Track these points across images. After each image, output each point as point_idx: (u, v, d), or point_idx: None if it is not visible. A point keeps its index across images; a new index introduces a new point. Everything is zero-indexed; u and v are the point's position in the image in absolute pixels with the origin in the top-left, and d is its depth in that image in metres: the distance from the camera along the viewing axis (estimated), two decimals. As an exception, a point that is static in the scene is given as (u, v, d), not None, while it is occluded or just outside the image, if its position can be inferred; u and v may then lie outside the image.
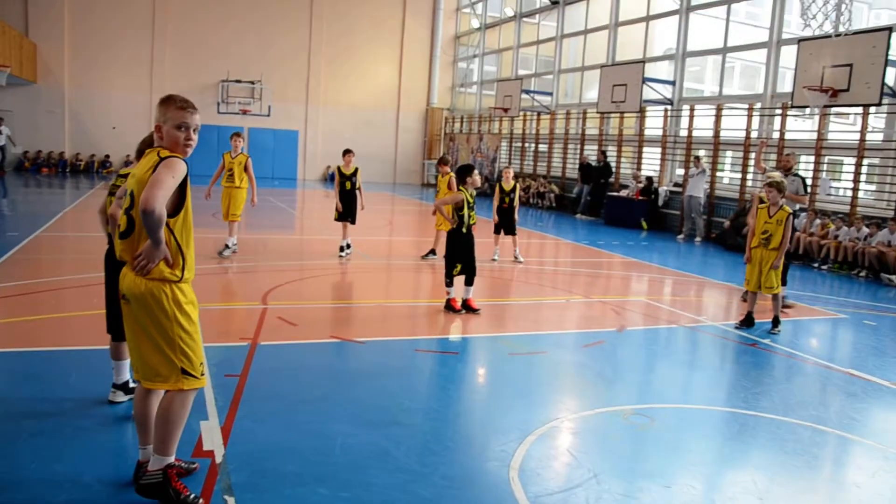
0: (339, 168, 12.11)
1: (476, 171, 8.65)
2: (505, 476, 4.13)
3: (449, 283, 8.42)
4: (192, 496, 3.60)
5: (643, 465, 4.48)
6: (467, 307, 8.37)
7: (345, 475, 4.03)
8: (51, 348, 6.22)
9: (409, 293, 10.39)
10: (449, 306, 8.38)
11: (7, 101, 27.72)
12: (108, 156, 30.25)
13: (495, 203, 12.45)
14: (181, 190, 3.47)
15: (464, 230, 8.37)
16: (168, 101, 3.59)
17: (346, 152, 12.18)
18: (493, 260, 12.26)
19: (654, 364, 7.18)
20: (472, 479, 4.13)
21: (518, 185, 12.58)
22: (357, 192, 11.97)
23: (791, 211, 8.41)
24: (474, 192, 8.55)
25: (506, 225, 12.40)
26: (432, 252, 12.14)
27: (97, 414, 4.73)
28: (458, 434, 4.87)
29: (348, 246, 11.97)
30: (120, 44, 29.90)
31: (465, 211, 8.35)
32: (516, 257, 12.35)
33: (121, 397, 4.91)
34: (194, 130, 3.58)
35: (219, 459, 4.12)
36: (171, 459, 3.64)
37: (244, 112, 30.85)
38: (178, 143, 3.53)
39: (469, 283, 8.43)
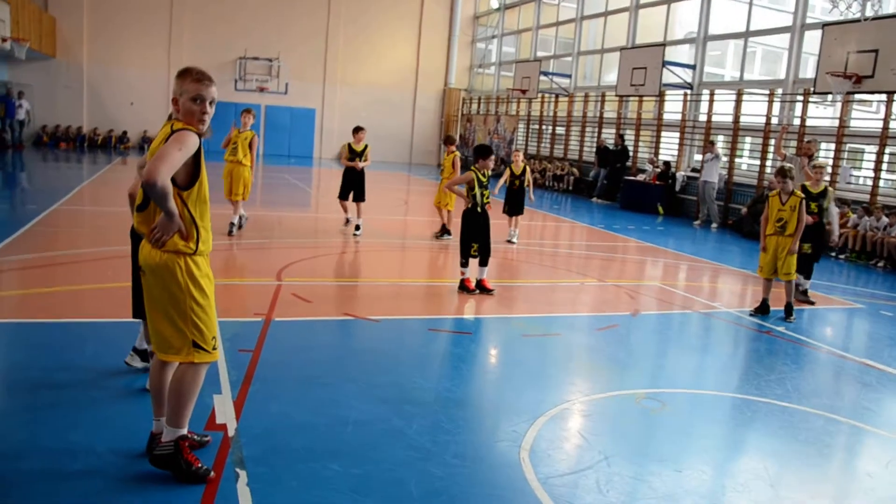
0: (349, 145, 12.06)
1: (491, 157, 8.59)
2: (516, 457, 4.14)
3: (464, 264, 8.42)
4: (203, 468, 3.63)
5: (654, 448, 4.48)
6: (482, 287, 8.36)
7: (357, 451, 4.05)
8: (67, 320, 6.27)
9: (423, 272, 10.40)
10: (463, 286, 8.37)
11: (26, 76, 27.82)
12: (125, 131, 30.34)
13: (500, 183, 12.48)
14: (195, 162, 3.46)
15: (479, 210, 8.35)
16: (185, 74, 3.56)
17: (358, 129, 12.13)
18: (509, 242, 12.25)
19: (668, 349, 7.16)
20: (482, 458, 4.14)
21: (528, 168, 12.53)
22: (359, 162, 11.99)
23: (803, 196, 8.34)
24: (488, 173, 8.49)
25: (512, 205, 12.37)
26: (446, 232, 12.14)
27: (112, 385, 4.77)
28: (469, 414, 4.88)
29: (357, 228, 11.96)
30: (138, 20, 29.90)
31: (477, 190, 8.33)
32: (510, 239, 12.32)
33: (137, 363, 4.97)
34: (210, 103, 3.54)
35: (231, 433, 4.15)
36: (184, 431, 3.66)
37: (261, 90, 30.86)
38: (193, 116, 3.51)
39: (483, 263, 8.41)
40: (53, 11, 28.36)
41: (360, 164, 11.97)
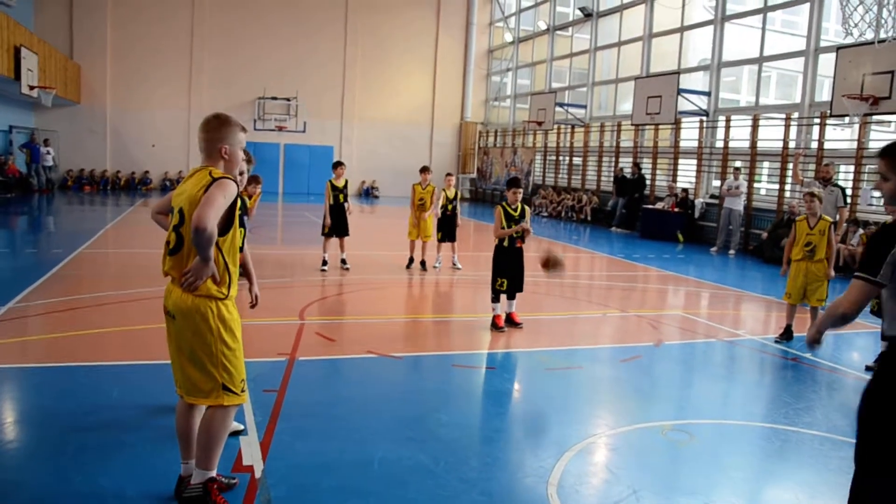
0: (330, 182, 11.94)
1: (519, 190, 8.29)
2: (543, 492, 4.12)
3: (494, 299, 8.26)
4: None
5: (683, 481, 4.43)
6: (510, 321, 8.32)
7: (384, 490, 4.05)
8: (93, 363, 6.34)
9: (444, 308, 10.42)
10: (493, 324, 8.24)
11: (52, 122, 28.46)
12: (147, 172, 30.86)
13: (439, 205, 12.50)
14: (230, 210, 3.55)
15: (505, 244, 8.22)
16: (232, 124, 3.70)
17: (337, 164, 12.05)
18: (434, 267, 12.43)
19: (693, 379, 7.11)
20: (511, 495, 4.12)
21: (459, 193, 12.58)
22: (346, 204, 11.96)
23: (832, 220, 8.30)
24: (521, 207, 8.26)
25: (444, 232, 12.42)
26: (415, 260, 12.50)
27: (140, 428, 4.80)
28: (496, 449, 4.86)
29: (343, 262, 11.99)
30: (160, 64, 30.54)
31: (506, 224, 8.21)
32: (454, 264, 12.50)
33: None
34: None
35: (258, 474, 4.16)
36: (213, 473, 3.70)
37: (280, 129, 31.28)
38: (237, 165, 3.70)
39: (511, 297, 8.33)
40: (78, 59, 29.06)
41: (351, 208, 12.08)
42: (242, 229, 3.83)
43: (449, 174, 12.90)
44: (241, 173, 10.26)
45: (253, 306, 4.37)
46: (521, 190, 8.36)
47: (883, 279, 2.95)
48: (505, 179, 28.49)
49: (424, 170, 12.53)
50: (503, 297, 8.32)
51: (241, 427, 4.79)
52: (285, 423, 5.00)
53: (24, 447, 4.57)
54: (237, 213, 3.61)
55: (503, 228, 8.16)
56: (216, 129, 3.66)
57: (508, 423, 5.53)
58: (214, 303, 3.55)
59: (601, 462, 4.72)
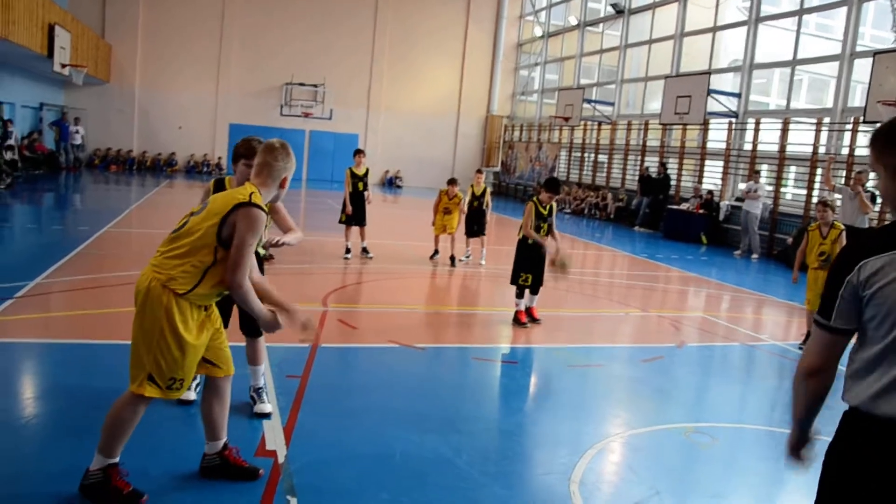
0: (350, 169, 11.95)
1: (549, 195, 8.16)
2: (566, 490, 4.10)
3: (519, 294, 8.23)
4: (132, 490, 3.58)
5: (706, 484, 4.41)
6: (529, 316, 8.30)
7: (406, 481, 4.06)
8: (117, 341, 6.38)
9: (465, 300, 10.41)
10: (516, 319, 8.21)
11: (81, 100, 28.71)
12: (173, 153, 31.09)
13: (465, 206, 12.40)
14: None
15: (529, 241, 8.16)
16: (291, 155, 3.76)
17: (358, 152, 12.11)
18: (461, 260, 12.28)
19: (715, 381, 7.06)
20: (532, 491, 4.12)
21: (488, 190, 12.47)
22: (365, 192, 11.94)
23: (843, 228, 8.24)
24: (551, 206, 8.20)
25: (471, 226, 12.33)
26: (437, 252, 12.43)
27: (163, 407, 4.81)
28: (518, 444, 4.85)
29: (366, 250, 12.00)
30: (189, 47, 30.69)
31: (535, 222, 8.08)
32: (479, 261, 12.32)
33: (265, 406, 4.85)
34: None
35: (281, 460, 4.18)
36: (115, 461, 3.59)
37: (306, 115, 31.34)
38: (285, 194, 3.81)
39: (534, 291, 8.29)
40: (110, 38, 29.28)
41: (370, 197, 12.08)
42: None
43: (479, 171, 12.84)
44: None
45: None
46: (558, 196, 8.32)
47: (838, 322, 2.24)
48: (541, 178, 28.54)
49: (452, 182, 12.34)
50: (526, 291, 8.29)
51: (269, 410, 4.82)
52: (308, 409, 5.02)
53: (48, 423, 4.62)
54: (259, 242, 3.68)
55: (532, 228, 8.07)
56: (284, 158, 3.70)
57: (529, 419, 5.52)
58: (169, 294, 3.46)
59: (623, 461, 4.70)
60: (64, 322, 7.02)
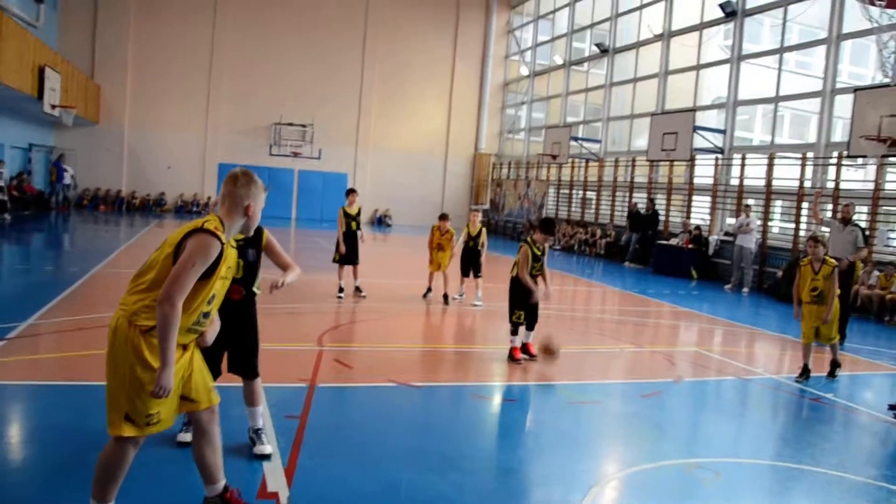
0: (343, 209, 11.93)
1: (547, 236, 8.24)
2: (572, 528, 4.07)
3: (513, 332, 8.23)
4: None
5: (712, 521, 4.37)
6: (525, 351, 8.28)
7: (410, 521, 4.01)
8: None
9: (461, 338, 10.38)
10: (511, 356, 8.19)
11: (70, 141, 28.75)
12: (162, 193, 31.08)
13: (459, 242, 12.36)
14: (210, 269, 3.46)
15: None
16: (259, 183, 3.74)
17: (350, 192, 12.08)
18: (455, 298, 12.22)
19: (713, 416, 7.04)
20: (538, 530, 4.07)
21: (484, 231, 12.34)
22: (358, 232, 11.95)
23: (835, 264, 8.33)
24: (544, 247, 8.24)
25: (467, 266, 12.22)
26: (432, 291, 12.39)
27: (161, 448, 4.76)
28: (520, 483, 4.81)
29: (359, 289, 11.97)
30: (178, 87, 30.89)
31: (531, 263, 8.11)
32: (474, 302, 12.12)
33: (265, 448, 4.77)
34: None
35: (283, 501, 4.13)
36: None
37: (295, 154, 31.47)
38: (256, 224, 3.76)
39: (529, 328, 8.30)
40: (99, 79, 29.44)
41: (364, 236, 12.10)
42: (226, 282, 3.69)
43: (475, 210, 12.80)
44: None
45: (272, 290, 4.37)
46: (553, 238, 8.33)
47: None
48: (530, 216, 28.71)
49: (443, 217, 12.36)
50: (521, 328, 8.28)
51: (269, 451, 4.76)
52: (308, 449, 4.96)
53: (42, 465, 4.54)
54: (220, 269, 3.51)
55: (527, 272, 8.09)
56: (245, 185, 3.67)
57: (530, 457, 5.47)
58: (135, 330, 3.39)
59: (628, 499, 4.67)
60: (57, 363, 6.93)
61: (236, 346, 4.80)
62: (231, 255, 3.62)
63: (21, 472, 4.42)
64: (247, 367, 4.85)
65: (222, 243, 3.47)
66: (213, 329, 3.90)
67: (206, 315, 3.61)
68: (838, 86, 17.43)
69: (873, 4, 9.64)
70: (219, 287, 3.60)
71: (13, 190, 22.91)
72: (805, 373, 8.27)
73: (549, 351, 7.74)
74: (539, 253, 8.20)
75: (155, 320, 3.34)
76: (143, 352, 3.39)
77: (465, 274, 12.26)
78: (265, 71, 31.72)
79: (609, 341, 10.27)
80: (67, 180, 27.18)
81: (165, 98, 30.71)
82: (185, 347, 3.59)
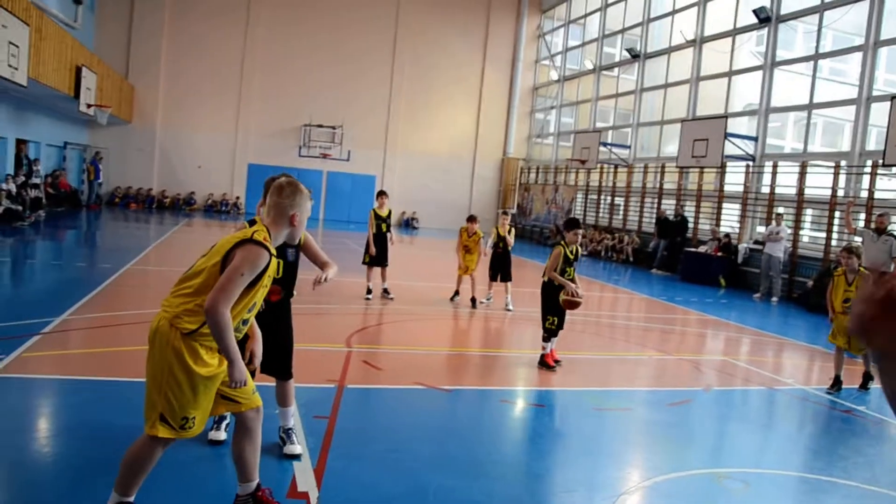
0: (373, 210, 11.98)
1: (579, 230, 8.22)
2: (600, 535, 4.06)
3: (546, 338, 8.16)
4: None
5: (741, 533, 4.34)
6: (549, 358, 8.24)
7: (439, 524, 4.02)
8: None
9: (488, 342, 10.38)
10: (543, 362, 8.12)
11: (103, 140, 29.22)
12: (192, 193, 31.43)
13: (490, 243, 12.32)
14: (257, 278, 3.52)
15: (555, 283, 8.10)
16: (304, 192, 3.77)
17: (381, 194, 12.15)
18: (482, 302, 12.21)
19: (742, 426, 6.98)
20: (566, 536, 4.07)
21: (513, 231, 12.31)
22: (388, 234, 12.00)
23: (869, 274, 8.24)
24: (576, 248, 8.18)
25: (497, 270, 12.18)
26: (457, 293, 12.43)
27: (195, 446, 4.82)
28: (549, 488, 4.81)
29: (387, 291, 12.03)
30: (210, 88, 31.25)
31: (563, 266, 8.05)
32: (506, 306, 12.04)
33: (295, 448, 4.82)
34: None
35: (314, 501, 4.16)
36: (130, 499, 3.58)
37: (324, 156, 31.69)
38: (301, 232, 3.81)
39: (554, 334, 8.23)
40: (133, 79, 29.93)
41: (394, 238, 12.15)
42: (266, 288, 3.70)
43: (504, 213, 12.83)
44: None
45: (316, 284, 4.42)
46: (581, 230, 8.30)
47: None
48: (558, 220, 28.61)
49: (471, 219, 12.41)
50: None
51: (299, 451, 4.80)
52: (337, 450, 5.00)
53: (79, 461, 4.60)
54: (263, 279, 3.55)
55: (556, 272, 8.03)
56: (290, 195, 3.72)
57: (559, 463, 5.47)
58: (176, 332, 3.44)
59: (656, 508, 4.64)
60: (89, 358, 7.05)
61: (271, 348, 4.84)
62: (274, 266, 3.66)
63: (51, 467, 4.49)
64: (282, 368, 4.89)
65: (270, 254, 3.53)
66: (259, 346, 4.02)
67: (245, 322, 3.66)
68: (874, 93, 17.19)
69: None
70: (260, 296, 3.65)
71: (48, 187, 23.31)
72: (837, 384, 8.17)
73: (571, 304, 7.75)
74: (572, 257, 8.14)
75: (196, 324, 3.43)
76: (183, 354, 3.44)
77: (493, 278, 12.25)
78: (295, 71, 31.99)
79: (636, 348, 10.22)
80: (100, 178, 27.66)
81: (197, 98, 31.10)
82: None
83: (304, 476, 4.50)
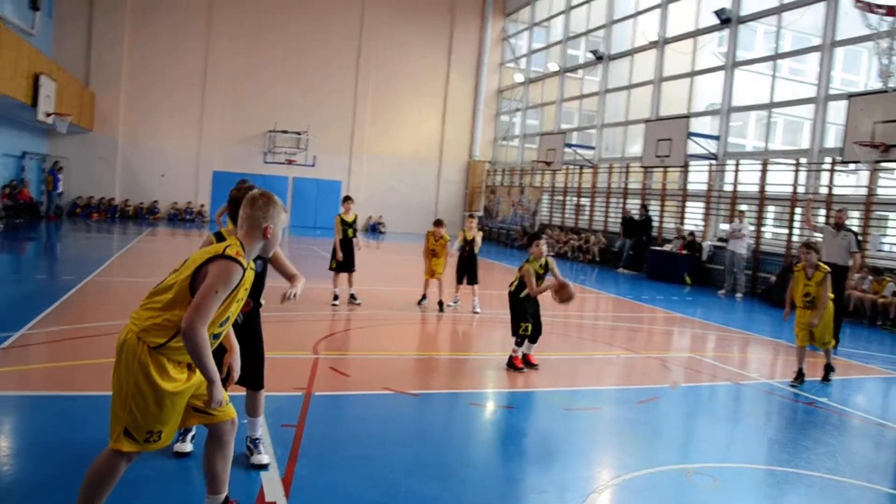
0: (339, 216, 11.91)
1: (540, 242, 8.17)
2: (570, 536, 4.06)
3: (518, 343, 8.14)
4: None
5: (710, 528, 4.38)
6: (527, 362, 8.23)
7: (409, 530, 4.00)
8: (104, 393, 6.29)
9: (456, 345, 10.38)
10: (511, 364, 8.13)
11: (63, 149, 28.70)
12: (156, 201, 31.00)
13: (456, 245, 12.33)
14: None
15: (521, 295, 8.10)
16: (274, 203, 3.68)
17: (346, 199, 12.11)
18: (450, 305, 12.21)
19: (709, 421, 7.05)
20: (536, 537, 4.07)
21: (479, 235, 12.30)
22: (355, 239, 11.97)
23: (828, 270, 8.38)
24: (544, 260, 8.13)
25: (462, 273, 12.18)
26: (426, 297, 12.40)
27: (160, 461, 4.74)
28: (520, 490, 4.81)
29: (353, 297, 11.99)
30: (172, 95, 30.85)
31: (534, 280, 8.01)
32: (474, 308, 12.08)
33: (262, 458, 4.78)
34: None
35: (281, 510, 4.11)
36: None
37: (290, 162, 31.48)
38: (276, 245, 3.71)
39: (533, 340, 8.22)
40: (93, 87, 29.39)
41: (360, 244, 12.13)
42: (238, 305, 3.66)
43: (471, 216, 12.81)
44: None
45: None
46: (542, 239, 8.24)
47: None
48: (524, 222, 28.76)
49: (438, 223, 12.37)
50: (526, 340, 8.20)
51: (266, 461, 4.75)
52: (306, 459, 4.95)
53: (38, 479, 4.48)
54: (238, 292, 3.52)
55: (536, 286, 8.03)
56: (263, 207, 3.64)
57: (530, 464, 5.47)
58: (143, 346, 3.39)
59: (625, 506, 4.66)
60: (53, 373, 6.90)
61: (243, 358, 4.78)
62: (249, 278, 3.60)
63: (11, 488, 4.36)
64: (253, 378, 4.84)
65: (244, 269, 3.48)
66: (237, 360, 4.00)
67: (217, 336, 3.60)
68: (832, 92, 17.53)
69: (873, 12, 9.72)
70: (234, 310, 3.61)
71: (6, 198, 22.84)
72: (800, 377, 8.32)
73: (563, 294, 7.75)
74: (542, 272, 8.12)
75: (164, 338, 3.39)
76: (149, 368, 3.39)
77: (459, 281, 12.24)
78: (260, 78, 31.73)
79: (604, 347, 10.29)
80: (59, 188, 27.14)
81: (160, 106, 30.69)
82: (190, 367, 3.58)
83: (272, 486, 4.45)
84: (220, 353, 3.90)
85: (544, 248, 8.19)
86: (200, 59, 31.18)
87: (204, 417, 3.68)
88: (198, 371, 3.54)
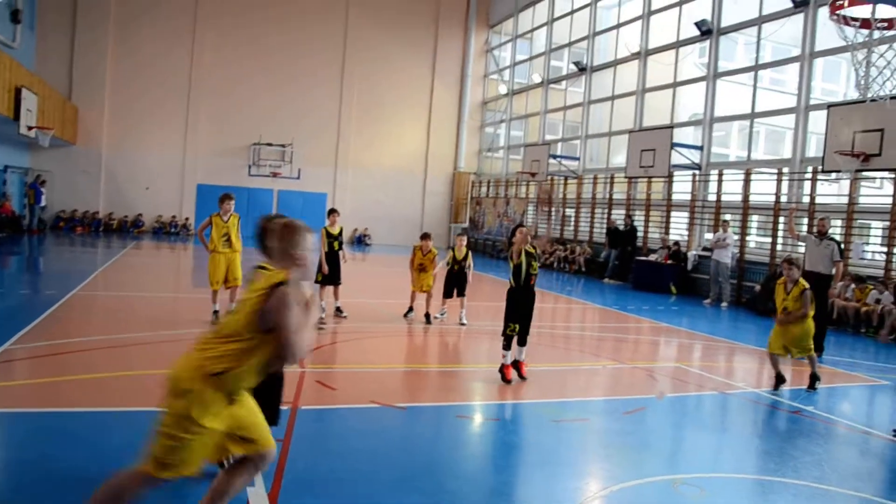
0: (325, 229, 11.86)
1: (518, 231, 8.14)
2: (559, 548, 4.06)
3: (506, 346, 8.05)
4: None
5: (698, 538, 4.38)
6: (517, 371, 8.13)
7: (397, 544, 3.98)
8: (95, 409, 6.24)
9: (444, 357, 10.36)
10: (502, 375, 8.00)
11: (46, 162, 28.49)
12: (140, 214, 30.84)
13: (441, 264, 12.36)
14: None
15: (520, 284, 8.04)
16: (301, 230, 3.76)
17: (331, 212, 12.11)
18: (437, 317, 12.15)
19: (696, 431, 7.07)
20: (525, 550, 4.06)
21: (470, 254, 12.40)
22: (340, 252, 11.94)
23: (806, 286, 8.47)
24: (525, 248, 8.04)
25: (451, 287, 12.18)
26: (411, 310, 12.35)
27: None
28: (507, 503, 4.79)
29: (339, 310, 11.95)
30: (157, 108, 30.74)
31: (522, 267, 8.03)
32: (460, 319, 12.03)
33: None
34: None
35: (268, 526, 4.08)
36: None
37: (275, 175, 31.41)
38: (308, 266, 3.78)
39: (521, 342, 8.14)
40: (76, 100, 29.26)
41: (346, 256, 12.14)
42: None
43: (461, 235, 12.80)
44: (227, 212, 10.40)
45: None
46: (524, 228, 8.21)
47: None
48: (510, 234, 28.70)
49: (425, 237, 12.39)
50: (513, 343, 8.11)
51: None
52: (292, 474, 4.92)
53: (27, 497, 4.45)
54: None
55: (524, 276, 8.06)
56: (289, 237, 3.72)
57: (518, 476, 5.47)
58: (201, 373, 3.46)
59: (613, 517, 4.66)
60: (38, 389, 6.84)
61: (263, 394, 4.69)
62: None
63: None
64: (270, 416, 4.77)
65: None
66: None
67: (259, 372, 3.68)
68: (812, 102, 17.72)
69: (848, 25, 9.88)
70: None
71: (-12, 213, 22.66)
72: (779, 381, 8.44)
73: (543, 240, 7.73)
74: (532, 250, 8.12)
75: (224, 366, 3.47)
76: (204, 394, 3.45)
77: (447, 294, 12.22)
78: (244, 91, 31.68)
79: (590, 358, 10.31)
80: (41, 202, 26.92)
81: (144, 119, 30.56)
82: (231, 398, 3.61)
83: (259, 502, 4.42)
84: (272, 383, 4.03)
85: (525, 234, 8.11)
86: (185, 72, 31.11)
87: (245, 445, 3.70)
88: (236, 405, 3.60)
